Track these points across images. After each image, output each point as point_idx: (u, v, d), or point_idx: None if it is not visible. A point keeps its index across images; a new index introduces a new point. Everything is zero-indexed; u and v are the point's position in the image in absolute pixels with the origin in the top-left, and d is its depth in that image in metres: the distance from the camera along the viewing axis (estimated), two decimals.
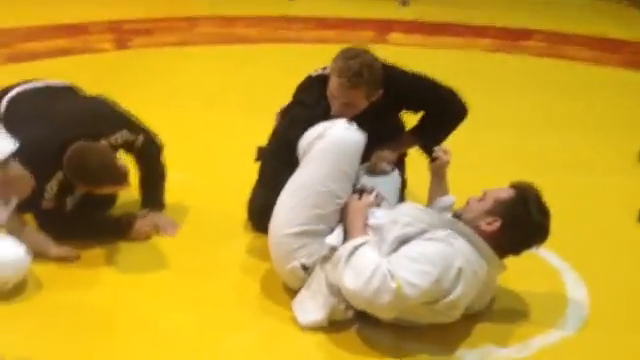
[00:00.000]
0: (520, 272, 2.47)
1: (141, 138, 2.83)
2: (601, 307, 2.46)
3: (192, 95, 4.36)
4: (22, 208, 2.62)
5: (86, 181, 2.56)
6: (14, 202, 2.59)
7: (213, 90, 4.51)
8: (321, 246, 2.31)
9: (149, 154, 2.91)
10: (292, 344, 2.23)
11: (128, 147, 2.82)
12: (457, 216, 2.33)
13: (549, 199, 2.31)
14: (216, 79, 4.75)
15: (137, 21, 5.90)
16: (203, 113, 4.11)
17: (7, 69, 4.53)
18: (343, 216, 2.35)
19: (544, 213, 2.26)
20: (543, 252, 2.63)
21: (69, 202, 2.71)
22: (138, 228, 2.79)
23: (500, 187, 2.31)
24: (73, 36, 5.40)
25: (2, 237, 2.46)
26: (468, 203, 2.32)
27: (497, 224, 2.22)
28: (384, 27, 6.19)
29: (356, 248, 2.16)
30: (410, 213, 2.29)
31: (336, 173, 2.35)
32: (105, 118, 2.77)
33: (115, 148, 2.73)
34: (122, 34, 5.56)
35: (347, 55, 2.55)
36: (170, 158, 2.98)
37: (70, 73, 4.55)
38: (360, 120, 2.49)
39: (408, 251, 2.14)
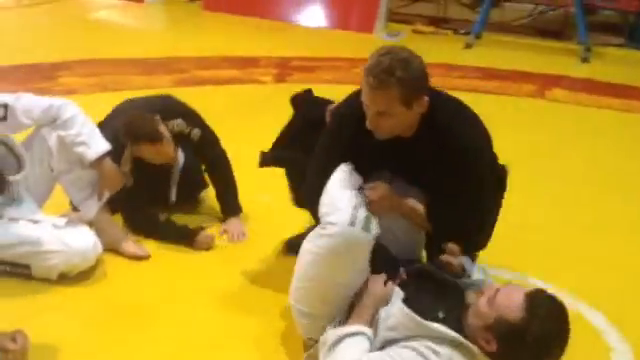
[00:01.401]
0: None
1: (197, 132, 3.14)
2: None
3: None
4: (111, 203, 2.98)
5: (126, 133, 2.93)
6: (106, 196, 2.94)
7: None
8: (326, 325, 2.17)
9: (208, 150, 3.21)
10: None
11: (185, 139, 3.12)
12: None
13: None
14: None
15: (304, 59, 6.25)
16: None
17: (176, 91, 5.06)
18: (358, 293, 2.16)
19: (550, 339, 1.90)
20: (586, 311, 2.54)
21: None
22: (199, 239, 3.01)
23: (513, 295, 1.94)
24: (242, 68, 5.87)
25: (78, 226, 2.79)
26: (478, 302, 2.00)
27: (493, 346, 1.94)
28: (550, 82, 5.96)
29: (345, 337, 2.02)
30: (398, 316, 2.03)
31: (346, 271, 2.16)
32: (164, 106, 3.16)
33: (174, 137, 3.06)
34: (286, 69, 5.94)
35: (379, 51, 2.17)
36: (265, 181, 3.22)
37: (227, 100, 5.05)
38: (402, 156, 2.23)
39: (390, 351, 1.98)
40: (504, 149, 4.36)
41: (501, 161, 2.47)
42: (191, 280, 2.81)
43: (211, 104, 4.73)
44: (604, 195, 3.80)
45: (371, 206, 2.17)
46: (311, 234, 2.17)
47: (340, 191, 2.19)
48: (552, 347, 1.91)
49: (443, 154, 2.21)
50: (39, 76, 5.32)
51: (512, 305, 1.90)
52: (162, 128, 2.98)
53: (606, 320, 2.58)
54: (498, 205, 2.42)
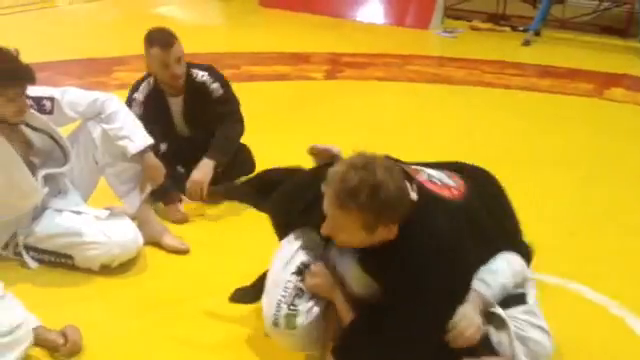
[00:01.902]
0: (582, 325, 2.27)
1: (219, 89, 3.33)
2: None
3: (371, 126, 4.52)
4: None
5: (145, 38, 3.25)
6: (148, 189, 2.98)
7: (396, 124, 4.63)
8: None
9: (223, 108, 3.37)
10: None
11: (205, 92, 3.30)
12: None
13: None
14: (405, 114, 4.85)
15: (356, 55, 6.23)
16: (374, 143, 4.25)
17: None
18: None
19: None
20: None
21: None
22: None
23: None
24: (293, 64, 5.89)
25: (120, 218, 2.84)
26: None
27: None
28: (610, 81, 5.78)
29: None
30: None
31: None
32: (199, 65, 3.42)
33: (195, 86, 3.32)
34: (337, 65, 5.93)
35: (353, 162, 1.88)
36: None
37: (278, 96, 5.08)
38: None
39: None
40: (556, 149, 4.34)
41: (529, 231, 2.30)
42: (229, 276, 2.81)
43: (262, 100, 4.78)
44: None
45: (308, 290, 2.10)
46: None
47: (277, 275, 2.16)
48: None
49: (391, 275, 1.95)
50: (96, 70, 5.47)
51: None
52: (178, 45, 3.22)
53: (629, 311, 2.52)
54: None
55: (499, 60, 6.22)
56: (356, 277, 2.02)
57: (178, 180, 3.28)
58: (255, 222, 3.25)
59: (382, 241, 1.91)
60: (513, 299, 2.05)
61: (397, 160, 2.09)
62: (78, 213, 2.81)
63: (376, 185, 1.82)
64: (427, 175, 2.08)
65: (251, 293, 2.60)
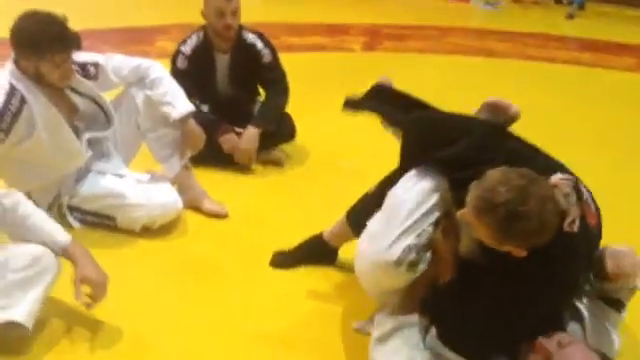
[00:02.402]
0: None
1: (268, 55, 3.42)
2: None
3: None
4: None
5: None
6: (188, 155, 3.04)
7: (435, 96, 4.57)
8: None
9: (270, 74, 3.47)
10: None
11: (255, 55, 3.42)
12: None
13: None
14: (444, 87, 4.82)
15: (395, 27, 6.19)
16: None
17: None
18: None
19: None
20: None
21: None
22: (224, 140, 3.37)
23: None
24: (332, 35, 5.88)
25: (160, 182, 2.90)
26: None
27: None
28: None
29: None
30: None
31: None
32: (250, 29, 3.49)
33: (246, 47, 3.42)
34: (376, 37, 5.91)
35: (512, 176, 1.79)
36: (349, 147, 3.42)
37: (316, 67, 5.10)
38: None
39: None
40: (596, 126, 4.27)
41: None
42: (267, 241, 2.86)
43: (300, 71, 4.76)
44: None
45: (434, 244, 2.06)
46: (361, 247, 2.15)
47: (407, 211, 2.05)
48: None
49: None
50: (137, 39, 5.53)
51: None
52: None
53: None
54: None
55: (542, 33, 6.13)
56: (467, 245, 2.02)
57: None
58: (294, 190, 3.33)
59: (510, 252, 1.86)
60: (611, 302, 2.02)
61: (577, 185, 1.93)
62: (120, 176, 2.88)
63: (517, 215, 1.74)
64: (585, 196, 1.98)
65: (290, 258, 2.66)
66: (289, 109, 3.57)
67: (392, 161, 3.74)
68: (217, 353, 2.21)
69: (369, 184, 3.33)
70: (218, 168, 3.40)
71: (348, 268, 2.54)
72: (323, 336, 2.30)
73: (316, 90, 4.52)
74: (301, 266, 2.66)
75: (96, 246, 2.72)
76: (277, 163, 3.55)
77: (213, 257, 2.76)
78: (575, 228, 1.86)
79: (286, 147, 3.62)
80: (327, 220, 2.83)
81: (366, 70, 5.09)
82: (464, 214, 1.88)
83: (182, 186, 3.02)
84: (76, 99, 2.77)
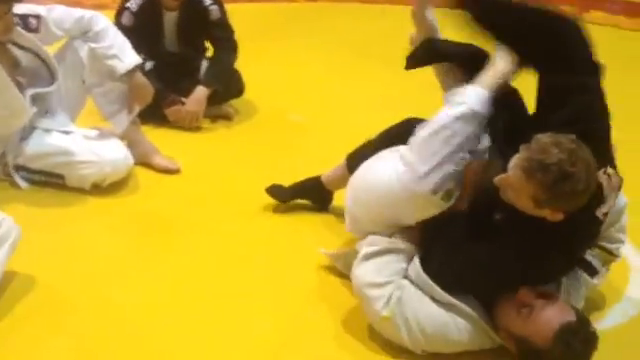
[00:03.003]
0: None
1: (217, 11, 3.37)
2: None
3: (355, 49, 4.52)
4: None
5: None
6: (136, 110, 2.97)
7: (381, 47, 4.61)
8: None
9: (218, 32, 3.43)
10: None
11: (205, 14, 3.34)
12: None
13: None
14: (390, 37, 4.82)
15: None
16: (350, 64, 4.30)
17: None
18: None
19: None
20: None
21: None
22: (171, 111, 3.32)
23: (548, 322, 1.89)
24: None
25: (109, 138, 2.84)
26: (511, 309, 1.96)
27: (511, 346, 1.98)
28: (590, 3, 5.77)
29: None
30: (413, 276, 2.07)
31: None
32: None
33: (197, 2, 3.35)
34: None
35: (563, 140, 1.85)
36: (297, 100, 3.36)
37: (255, 19, 5.00)
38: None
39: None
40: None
41: None
42: (220, 196, 2.85)
43: (243, 22, 4.69)
44: None
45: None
46: (396, 174, 2.08)
47: (442, 147, 2.03)
48: None
49: None
50: None
51: (543, 333, 1.87)
52: None
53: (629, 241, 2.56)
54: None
55: None
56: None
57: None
58: (244, 144, 3.31)
59: (542, 217, 1.92)
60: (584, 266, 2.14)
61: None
62: (67, 133, 2.80)
63: (568, 175, 1.81)
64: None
65: (287, 192, 2.70)
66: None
67: (339, 113, 3.77)
68: (172, 307, 2.19)
69: (317, 136, 3.38)
70: (166, 124, 3.35)
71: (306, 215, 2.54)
72: (280, 288, 2.31)
73: (260, 42, 4.46)
74: (295, 200, 2.70)
75: (45, 205, 2.69)
76: (226, 117, 3.51)
77: (166, 213, 2.73)
78: (602, 217, 1.98)
79: (234, 102, 3.58)
80: (278, 173, 2.86)
81: (309, 20, 5.06)
82: (505, 178, 1.92)
83: (131, 142, 2.96)
84: (18, 53, 2.67)
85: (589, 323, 1.93)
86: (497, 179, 1.95)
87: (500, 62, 2.09)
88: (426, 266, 2.03)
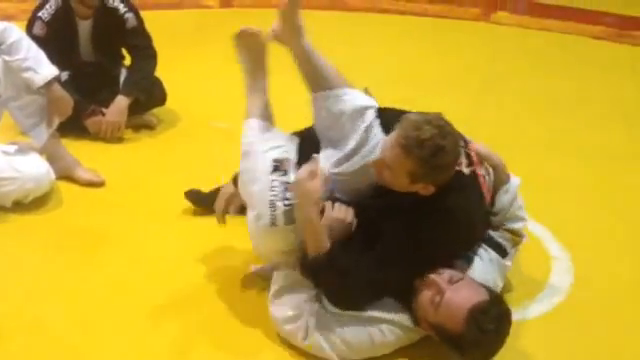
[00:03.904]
0: None
1: (133, 20, 3.34)
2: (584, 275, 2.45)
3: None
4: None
5: None
6: (56, 122, 2.89)
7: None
8: None
9: (136, 40, 3.40)
10: None
11: (117, 20, 3.30)
12: None
13: None
14: None
15: None
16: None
17: None
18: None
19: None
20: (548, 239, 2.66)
21: None
22: (91, 123, 3.27)
23: (457, 306, 1.91)
24: None
25: (28, 152, 2.76)
26: (423, 297, 1.98)
27: (433, 333, 2.00)
28: (495, 4, 6.01)
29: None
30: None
31: None
32: None
33: (106, 10, 3.31)
34: None
35: (432, 118, 1.99)
36: (220, 107, 3.41)
37: (169, 27, 4.95)
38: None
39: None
40: (450, 68, 4.53)
41: None
42: (148, 205, 2.82)
43: (157, 29, 4.65)
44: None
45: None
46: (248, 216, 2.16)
47: (259, 184, 2.12)
48: (487, 355, 1.95)
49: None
50: None
51: (455, 318, 1.90)
52: None
53: (547, 231, 2.71)
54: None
55: None
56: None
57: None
58: (168, 152, 3.27)
59: (415, 193, 2.04)
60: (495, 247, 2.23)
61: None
62: None
63: (441, 148, 1.95)
64: (484, 170, 2.21)
65: (207, 199, 2.68)
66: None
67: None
68: (113, 322, 2.15)
69: None
70: (87, 136, 3.29)
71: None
72: (216, 295, 2.29)
73: (171, 52, 4.39)
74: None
75: None
76: (149, 126, 3.47)
77: (94, 227, 2.67)
78: (465, 170, 2.11)
79: (156, 110, 3.53)
80: (204, 180, 2.83)
81: (223, 26, 5.04)
82: (381, 159, 2.03)
83: (52, 156, 2.88)
84: None
85: (500, 300, 1.96)
86: (373, 161, 2.07)
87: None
88: (330, 299, 2.05)
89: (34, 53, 2.75)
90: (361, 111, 2.17)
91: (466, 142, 2.21)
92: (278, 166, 2.15)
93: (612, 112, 3.99)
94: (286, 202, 2.08)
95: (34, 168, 2.70)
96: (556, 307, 2.29)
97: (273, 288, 2.13)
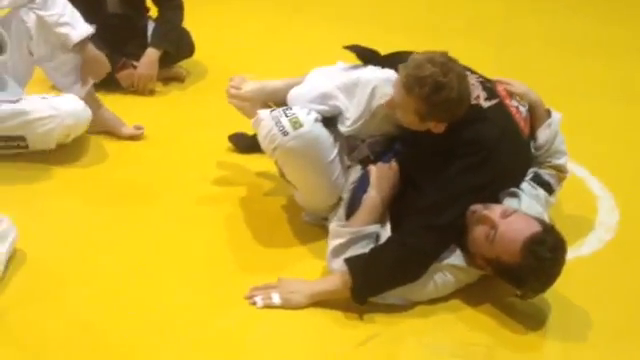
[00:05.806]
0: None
1: None
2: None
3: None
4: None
5: None
6: (91, 82, 2.87)
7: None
8: None
9: None
10: None
11: None
12: None
13: None
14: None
15: None
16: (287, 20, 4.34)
17: None
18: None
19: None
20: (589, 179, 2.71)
21: None
22: (123, 76, 3.23)
23: (513, 238, 1.93)
24: None
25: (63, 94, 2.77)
26: (476, 233, 2.02)
27: (489, 270, 2.04)
28: None
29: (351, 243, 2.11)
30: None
31: None
32: None
33: None
34: None
35: (434, 55, 2.04)
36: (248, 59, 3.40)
37: None
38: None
39: None
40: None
41: None
42: (187, 160, 2.82)
43: None
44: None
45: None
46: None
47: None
48: (545, 283, 1.98)
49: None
50: None
51: (511, 250, 1.92)
52: None
53: (589, 173, 2.75)
54: None
55: None
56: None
57: None
58: (199, 105, 3.26)
59: (429, 131, 2.10)
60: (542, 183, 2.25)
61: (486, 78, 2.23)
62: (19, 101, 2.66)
63: (441, 84, 1.98)
64: (516, 102, 2.24)
65: (249, 141, 2.71)
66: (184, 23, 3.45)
67: (293, 67, 3.73)
68: (161, 271, 2.18)
69: None
70: (119, 89, 3.26)
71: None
72: (260, 252, 2.30)
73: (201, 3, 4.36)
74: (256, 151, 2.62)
75: (9, 182, 2.57)
76: (178, 79, 3.45)
77: (138, 181, 2.68)
78: (483, 103, 2.14)
79: (184, 62, 3.51)
80: (239, 130, 2.84)
81: None
82: (391, 99, 2.10)
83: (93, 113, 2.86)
84: None
85: (554, 230, 1.97)
86: (386, 102, 2.14)
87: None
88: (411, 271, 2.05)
89: (70, 10, 2.72)
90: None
91: (487, 79, 2.22)
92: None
93: None
94: (288, 113, 2.16)
95: (71, 104, 2.69)
96: (607, 244, 2.33)
97: (332, 245, 2.12)
